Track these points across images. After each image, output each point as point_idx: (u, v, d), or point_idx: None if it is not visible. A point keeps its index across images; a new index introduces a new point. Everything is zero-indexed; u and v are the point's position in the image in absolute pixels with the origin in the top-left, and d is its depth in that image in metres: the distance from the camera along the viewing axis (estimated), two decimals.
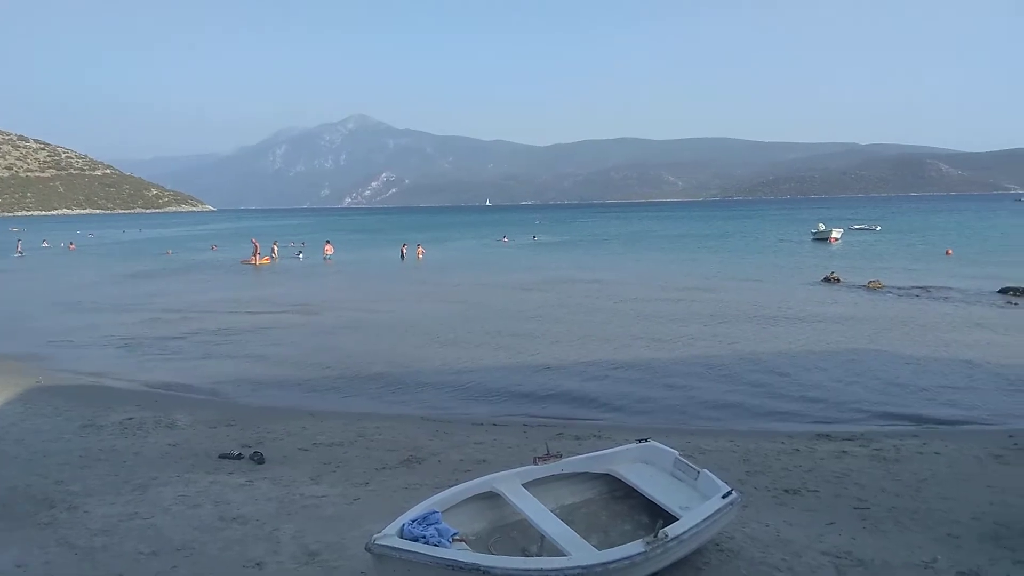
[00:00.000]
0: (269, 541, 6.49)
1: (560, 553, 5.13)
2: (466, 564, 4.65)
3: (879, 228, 77.83)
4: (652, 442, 7.12)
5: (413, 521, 5.20)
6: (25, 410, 12.06)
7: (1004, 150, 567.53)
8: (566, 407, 13.42)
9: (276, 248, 52.17)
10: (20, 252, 62.25)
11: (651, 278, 35.43)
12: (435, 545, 4.93)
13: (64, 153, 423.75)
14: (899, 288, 29.06)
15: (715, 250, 55.34)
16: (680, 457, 6.77)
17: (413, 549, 4.74)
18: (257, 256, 47.59)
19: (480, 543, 5.82)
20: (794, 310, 24.00)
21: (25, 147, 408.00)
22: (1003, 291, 27.30)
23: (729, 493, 5.98)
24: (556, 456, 6.67)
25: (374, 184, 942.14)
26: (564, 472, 6.62)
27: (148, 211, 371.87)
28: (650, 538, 5.16)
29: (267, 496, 7.76)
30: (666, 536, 5.23)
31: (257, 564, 6.00)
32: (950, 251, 47.45)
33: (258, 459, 9.32)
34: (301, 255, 52.97)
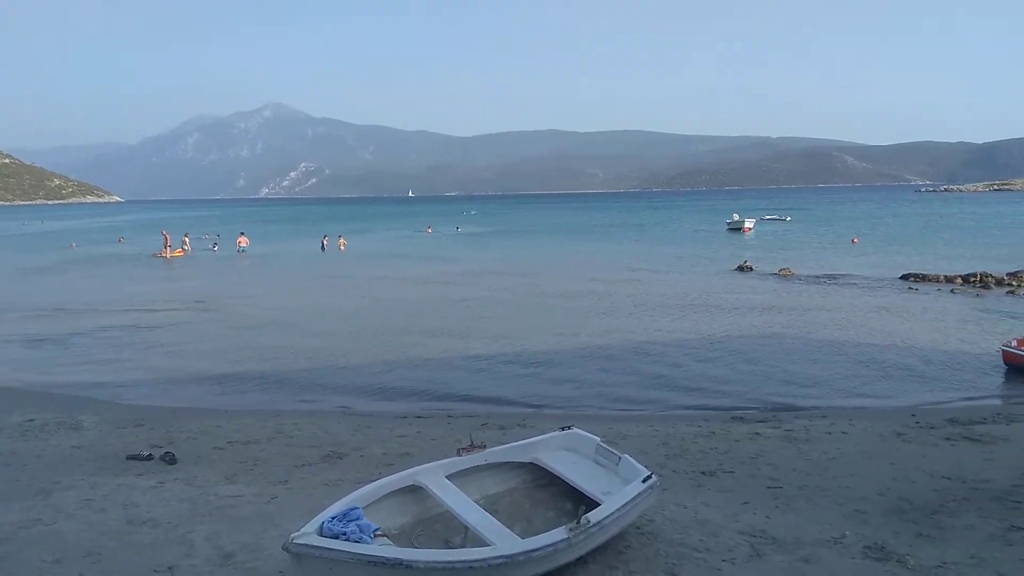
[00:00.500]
0: (182, 544, 6.22)
1: (484, 543, 5.11)
2: (388, 559, 4.57)
3: (789, 219, 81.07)
4: (575, 429, 7.18)
5: (333, 518, 5.07)
6: None
7: (905, 143, 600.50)
8: (490, 398, 13.43)
9: (188, 240, 50.22)
10: None
11: (574, 269, 35.85)
12: (356, 542, 4.82)
13: None
14: (808, 276, 30.37)
15: (636, 240, 56.47)
16: (602, 443, 6.85)
17: (333, 547, 4.63)
18: (168, 248, 45.72)
19: (403, 537, 5.74)
20: (710, 298, 24.74)
21: None
22: (904, 277, 28.95)
23: (649, 477, 6.08)
24: (480, 447, 6.64)
25: (292, 174, 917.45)
26: (488, 462, 6.59)
27: (51, 202, 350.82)
28: (572, 524, 5.20)
29: (179, 497, 7.44)
30: (588, 522, 5.27)
31: (169, 568, 5.74)
32: (856, 240, 49.91)
33: (169, 459, 8.94)
34: (216, 247, 51.17)
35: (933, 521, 6.66)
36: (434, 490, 5.89)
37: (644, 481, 6.01)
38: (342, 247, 49.56)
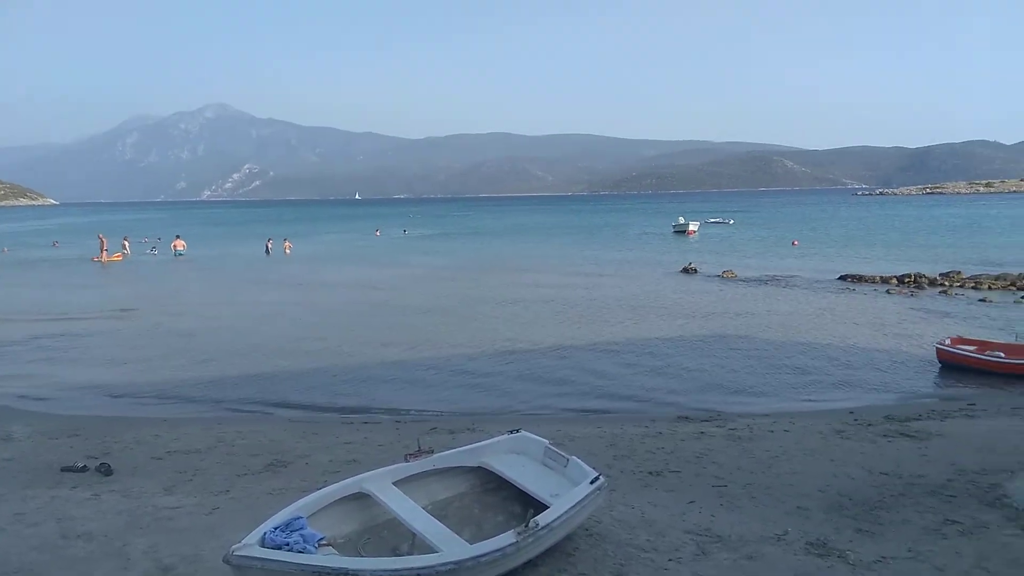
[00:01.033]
0: (119, 558, 6.01)
1: (432, 550, 5.06)
2: (333, 569, 4.48)
3: (732, 222, 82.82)
4: (523, 432, 7.18)
5: (275, 528, 4.95)
6: None
7: (841, 148, 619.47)
8: (439, 402, 13.34)
9: (128, 244, 48.68)
10: None
11: (524, 272, 35.96)
12: (299, 552, 4.72)
13: None
14: (751, 277, 31.09)
15: (585, 243, 56.95)
16: (550, 446, 6.86)
17: (275, 558, 4.52)
18: (105, 252, 44.27)
19: (349, 546, 5.65)
20: (657, 300, 25.11)
21: None
22: (842, 278, 29.87)
23: (597, 479, 6.11)
24: (428, 452, 6.58)
25: (235, 176, 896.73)
26: (436, 467, 6.54)
27: None
28: (521, 528, 5.18)
29: (116, 510, 7.19)
30: (537, 525, 5.27)
31: None
32: (796, 242, 51.31)
33: (105, 471, 8.65)
34: (155, 251, 49.74)
35: (872, 516, 6.85)
36: (381, 497, 5.81)
37: (592, 483, 6.03)
38: (288, 250, 48.70)
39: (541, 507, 5.80)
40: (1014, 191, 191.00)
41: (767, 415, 11.77)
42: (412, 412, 12.64)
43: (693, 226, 64.96)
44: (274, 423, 11.63)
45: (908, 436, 9.76)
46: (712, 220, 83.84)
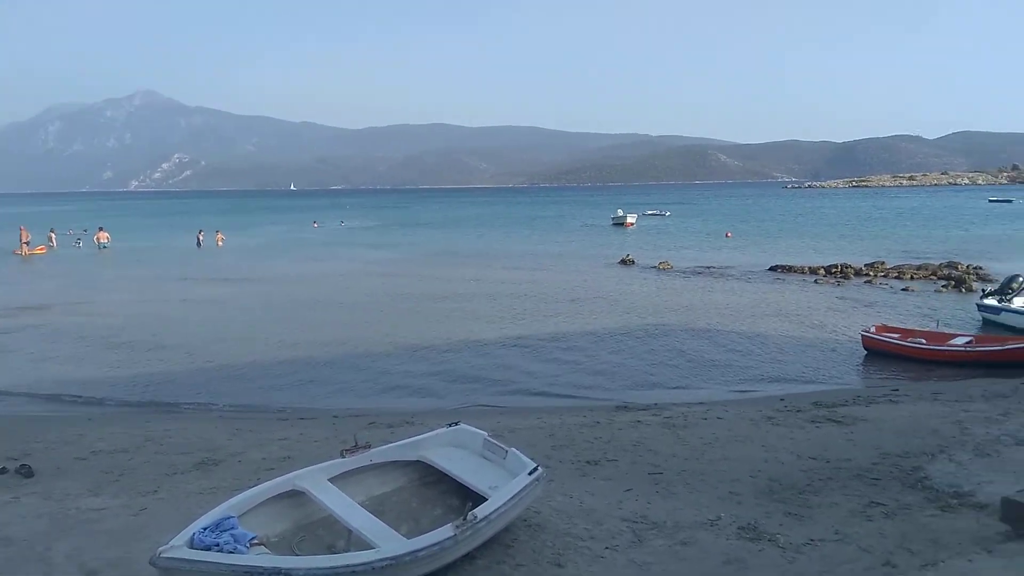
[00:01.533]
0: (40, 562, 5.77)
1: (368, 546, 4.99)
2: (264, 568, 4.38)
3: (668, 214, 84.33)
4: (462, 425, 7.15)
5: (205, 529, 4.81)
6: None
7: (772, 142, 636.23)
8: (378, 396, 13.21)
9: (54, 236, 46.56)
10: None
11: (463, 265, 35.92)
12: (230, 552, 4.59)
13: None
14: (686, 268, 31.76)
15: (525, 236, 57.10)
16: (489, 438, 6.85)
17: (204, 559, 4.41)
18: (26, 245, 42.24)
19: (283, 545, 5.53)
20: (595, 291, 25.41)
21: None
22: (773, 268, 30.75)
23: (535, 469, 6.12)
24: (365, 447, 6.49)
25: (165, 166, 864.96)
26: (373, 463, 6.45)
27: None
28: (459, 521, 5.16)
29: (37, 512, 6.89)
30: (475, 518, 5.25)
31: None
32: (729, 234, 52.57)
33: (25, 472, 8.26)
34: (80, 243, 47.79)
35: (801, 500, 7.05)
36: (316, 494, 5.70)
37: (530, 474, 6.05)
38: (220, 243, 47.41)
39: (480, 499, 5.79)
40: (935, 184, 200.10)
41: (702, 403, 12.02)
42: (349, 407, 12.46)
43: (631, 218, 66.03)
44: (205, 420, 11.32)
45: (835, 421, 10.08)
46: (650, 212, 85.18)
